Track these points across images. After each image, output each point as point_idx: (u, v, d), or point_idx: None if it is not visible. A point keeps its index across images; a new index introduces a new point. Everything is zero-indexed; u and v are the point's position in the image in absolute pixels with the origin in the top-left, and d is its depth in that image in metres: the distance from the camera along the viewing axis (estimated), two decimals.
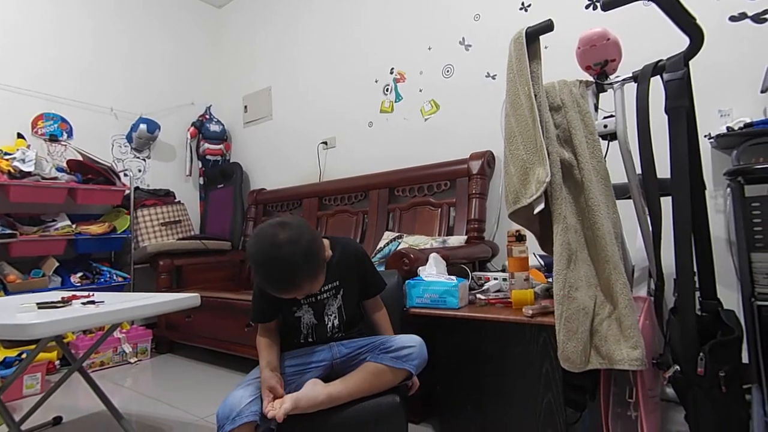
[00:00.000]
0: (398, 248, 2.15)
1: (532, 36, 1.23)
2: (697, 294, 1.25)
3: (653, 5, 1.11)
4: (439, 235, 2.24)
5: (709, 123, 1.69)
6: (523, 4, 2.25)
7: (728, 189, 1.67)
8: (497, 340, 1.37)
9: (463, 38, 2.44)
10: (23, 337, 0.94)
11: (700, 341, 1.06)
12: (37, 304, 1.21)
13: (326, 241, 1.20)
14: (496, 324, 1.33)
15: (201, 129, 3.37)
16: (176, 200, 3.17)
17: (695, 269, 1.25)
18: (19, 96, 2.64)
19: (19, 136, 2.57)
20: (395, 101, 2.69)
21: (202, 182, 3.43)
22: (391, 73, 2.71)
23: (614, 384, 1.21)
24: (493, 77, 2.33)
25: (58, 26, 2.85)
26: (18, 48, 2.68)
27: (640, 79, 1.20)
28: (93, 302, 1.25)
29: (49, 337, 1.23)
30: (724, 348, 1.03)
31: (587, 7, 2.07)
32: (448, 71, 2.49)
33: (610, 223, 1.20)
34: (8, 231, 2.21)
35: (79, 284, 2.51)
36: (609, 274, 1.15)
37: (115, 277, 2.66)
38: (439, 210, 2.31)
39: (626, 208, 1.34)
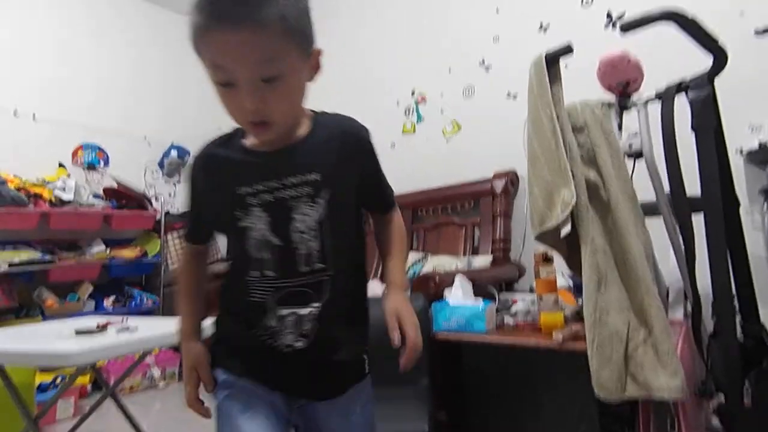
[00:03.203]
0: (423, 269, 2.15)
1: (552, 59, 1.24)
2: (738, 317, 1.20)
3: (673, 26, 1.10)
4: (464, 254, 2.22)
5: (741, 138, 1.64)
6: (541, 24, 2.26)
7: (765, 205, 1.61)
8: (527, 365, 1.34)
9: (483, 59, 2.46)
10: (64, 364, 0.98)
11: (745, 369, 1.01)
12: (75, 330, 1.26)
13: (308, 110, 0.74)
14: (526, 349, 1.30)
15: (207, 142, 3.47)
16: None
17: (734, 290, 1.20)
18: (61, 128, 2.80)
19: (61, 165, 2.71)
20: (417, 122, 2.72)
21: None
22: (413, 94, 2.75)
23: (654, 413, 1.16)
24: (514, 97, 2.33)
25: (97, 60, 3.02)
26: (60, 82, 2.85)
27: (664, 98, 1.19)
28: (127, 329, 1.29)
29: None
30: None
31: (606, 26, 2.07)
32: (468, 92, 2.51)
33: (640, 243, 1.17)
34: (48, 257, 2.31)
35: (111, 308, 2.59)
36: (642, 297, 1.12)
37: (145, 300, 2.74)
38: (464, 229, 2.30)
39: (657, 227, 1.31)
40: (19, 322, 2.17)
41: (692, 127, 1.10)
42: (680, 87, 1.17)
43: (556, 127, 1.19)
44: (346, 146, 0.71)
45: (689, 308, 1.31)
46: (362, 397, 0.76)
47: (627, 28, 1.12)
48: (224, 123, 0.69)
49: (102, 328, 1.32)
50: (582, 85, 1.34)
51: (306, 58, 0.65)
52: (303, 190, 0.68)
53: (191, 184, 0.76)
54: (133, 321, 1.47)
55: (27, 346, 1.12)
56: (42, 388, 1.98)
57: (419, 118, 2.71)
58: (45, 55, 2.82)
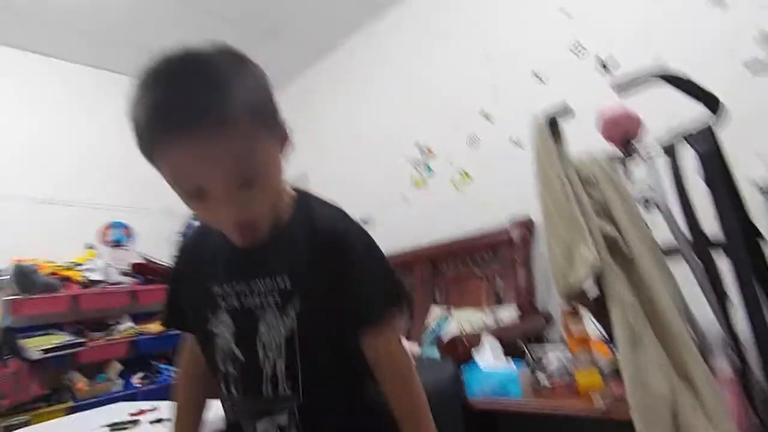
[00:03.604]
0: (448, 326, 2.11)
1: (553, 120, 1.27)
2: None
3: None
4: (488, 305, 2.18)
5: (756, 170, 1.60)
6: (536, 74, 2.32)
7: None
8: (569, 430, 1.28)
9: (483, 109, 2.52)
10: None
11: None
12: (109, 427, 1.26)
13: (290, 191, 0.65)
14: (566, 417, 1.25)
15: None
16: None
17: None
18: (90, 210, 2.93)
19: (89, 246, 2.81)
20: (426, 175, 2.77)
21: None
22: (419, 148, 2.81)
23: None
24: (518, 143, 2.37)
25: (119, 140, 3.17)
26: (88, 168, 3.01)
27: (669, 152, 1.19)
28: (160, 420, 1.28)
29: None
30: None
31: (601, 72, 2.11)
32: (474, 142, 2.56)
33: (668, 295, 1.14)
34: (78, 340, 2.35)
35: (140, 385, 2.59)
36: (680, 353, 1.08)
37: (172, 375, 2.73)
38: (485, 280, 2.27)
39: (686, 271, 1.27)
40: (50, 409, 2.19)
41: (705, 181, 1.09)
42: (684, 139, 1.18)
43: (565, 183, 1.20)
44: (321, 249, 0.59)
45: (731, 353, 1.25)
46: None
47: (620, 90, 1.15)
48: None
49: (134, 421, 1.32)
50: (581, 130, 1.35)
51: (277, 142, 0.57)
52: (271, 299, 0.59)
53: (175, 266, 0.70)
54: (164, 409, 1.47)
55: None
56: None
57: (429, 170, 2.76)
58: (73, 145, 3.00)
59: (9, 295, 2.26)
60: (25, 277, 2.29)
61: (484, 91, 2.52)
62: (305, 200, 0.64)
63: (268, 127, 0.55)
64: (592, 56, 2.13)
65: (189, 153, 0.49)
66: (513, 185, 2.32)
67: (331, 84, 3.48)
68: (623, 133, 1.28)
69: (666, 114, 1.34)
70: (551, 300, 2.14)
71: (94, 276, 2.55)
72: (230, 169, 0.51)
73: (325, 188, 0.63)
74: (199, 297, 0.63)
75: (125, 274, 2.78)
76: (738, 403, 1.13)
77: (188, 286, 0.66)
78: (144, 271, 2.83)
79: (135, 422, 1.31)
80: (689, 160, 1.15)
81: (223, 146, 0.49)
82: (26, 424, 2.02)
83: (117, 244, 2.96)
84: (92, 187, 3.00)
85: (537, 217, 2.23)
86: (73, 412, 2.14)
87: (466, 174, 2.58)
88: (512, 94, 2.41)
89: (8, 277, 2.30)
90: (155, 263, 2.88)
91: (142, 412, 1.46)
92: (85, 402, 2.27)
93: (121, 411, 1.51)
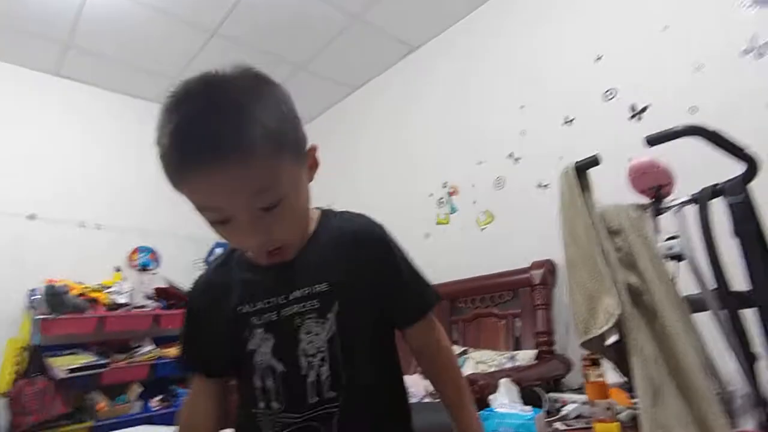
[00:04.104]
0: (464, 365, 2.10)
1: (581, 170, 1.30)
2: None
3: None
4: (506, 348, 2.17)
5: None
6: (566, 118, 2.38)
7: None
8: None
9: (512, 153, 2.57)
10: None
11: None
12: None
13: (314, 210, 0.68)
14: None
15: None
16: None
17: None
18: (120, 234, 3.05)
19: (117, 269, 2.91)
20: (450, 213, 2.81)
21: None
22: (445, 186, 2.86)
23: None
24: (546, 186, 2.40)
25: (153, 165, 3.34)
26: (125, 191, 3.15)
27: (700, 203, 1.21)
28: None
29: None
30: None
31: (630, 118, 2.15)
32: (499, 183, 2.60)
33: (692, 350, 1.13)
34: (102, 361, 2.41)
35: (158, 407, 2.61)
36: (704, 411, 1.06)
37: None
38: (504, 321, 2.26)
39: (711, 324, 1.26)
40: (72, 427, 2.23)
41: (735, 233, 1.10)
42: (715, 191, 1.20)
43: (591, 234, 1.22)
44: (359, 250, 0.63)
45: (763, 418, 1.22)
46: None
47: (654, 142, 1.18)
48: None
49: None
50: (609, 178, 1.37)
51: (302, 164, 0.59)
52: (309, 304, 0.60)
53: (189, 310, 0.70)
54: None
55: None
56: None
57: (452, 209, 2.80)
58: (109, 167, 3.16)
59: (40, 314, 2.35)
60: (55, 298, 2.38)
61: (514, 135, 2.57)
62: (329, 213, 0.69)
63: (291, 151, 0.56)
64: (626, 104, 2.17)
65: (210, 184, 0.51)
66: (536, 227, 2.34)
67: (360, 119, 3.60)
68: (651, 183, 1.31)
69: (699, 167, 1.37)
70: (571, 345, 2.12)
71: (121, 299, 2.64)
72: (252, 198, 0.52)
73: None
74: (227, 322, 0.64)
75: (149, 297, 2.86)
76: None
77: (212, 318, 0.66)
78: (167, 296, 2.91)
79: None
80: (719, 213, 1.17)
81: (244, 177, 0.50)
82: None
83: (144, 268, 3.06)
84: (123, 210, 3.13)
85: (558, 260, 2.23)
86: (95, 431, 2.18)
87: (490, 214, 2.62)
88: (542, 138, 2.45)
89: (40, 296, 2.39)
90: (177, 289, 2.96)
91: None
92: (105, 422, 2.31)
93: None
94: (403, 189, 3.12)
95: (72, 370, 2.23)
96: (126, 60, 2.99)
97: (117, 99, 3.34)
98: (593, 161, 1.28)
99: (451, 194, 2.83)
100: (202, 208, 0.54)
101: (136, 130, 3.35)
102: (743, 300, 1.11)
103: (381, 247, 0.66)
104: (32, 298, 2.41)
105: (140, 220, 3.16)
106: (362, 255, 0.63)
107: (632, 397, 1.58)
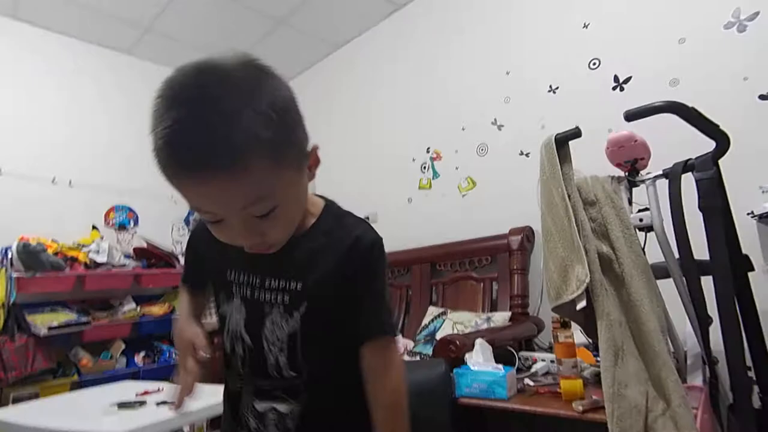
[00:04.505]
0: (443, 326, 2.19)
1: (562, 141, 1.33)
2: (756, 388, 1.22)
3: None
4: (483, 310, 2.26)
5: (752, 199, 1.68)
6: (550, 86, 2.38)
7: None
8: (549, 429, 1.37)
9: (495, 119, 2.58)
10: None
11: None
12: (117, 405, 1.33)
13: (317, 199, 0.68)
14: (547, 417, 1.33)
15: None
16: None
17: (750, 360, 1.23)
18: (94, 192, 2.98)
19: (94, 228, 2.86)
20: (433, 178, 2.83)
21: None
22: (428, 152, 2.87)
23: None
24: (527, 155, 2.43)
25: (127, 124, 3.23)
26: (94, 148, 3.05)
27: (671, 177, 1.27)
28: (165, 402, 1.36)
29: None
30: None
31: (614, 88, 2.17)
32: (482, 150, 2.62)
33: (655, 317, 1.22)
34: (83, 319, 2.42)
35: (141, 364, 2.66)
36: (659, 369, 1.16)
37: (173, 356, 2.81)
38: (482, 285, 2.35)
39: (674, 292, 1.35)
40: (57, 382, 2.27)
41: (699, 208, 1.16)
42: (686, 166, 1.25)
43: (568, 206, 1.27)
44: (349, 260, 0.62)
45: (708, 374, 1.34)
46: None
47: (631, 118, 1.21)
48: None
49: (141, 402, 1.39)
50: (590, 147, 1.41)
51: (303, 167, 0.57)
52: (280, 298, 0.62)
53: (191, 247, 0.75)
54: (169, 390, 1.54)
55: (75, 424, 1.20)
56: None
57: (435, 174, 2.82)
58: (82, 124, 3.04)
59: (16, 272, 2.32)
60: (31, 256, 2.34)
61: (498, 101, 2.57)
62: (331, 211, 0.67)
63: (290, 159, 0.54)
64: (609, 74, 2.19)
65: (203, 194, 0.50)
66: (517, 195, 2.39)
67: (342, 79, 3.52)
68: (628, 156, 1.35)
69: (674, 142, 1.41)
70: (543, 307, 2.23)
71: (99, 258, 2.61)
72: (245, 207, 0.51)
73: (331, 184, 0.64)
74: (216, 279, 0.68)
75: (128, 257, 2.84)
76: (705, 414, 1.21)
77: (208, 264, 0.70)
78: (146, 255, 2.89)
79: (142, 403, 1.38)
80: (690, 187, 1.22)
81: (237, 190, 0.49)
82: (35, 395, 2.11)
83: (122, 227, 3.02)
84: (100, 169, 3.05)
85: (537, 227, 2.31)
86: (79, 386, 2.23)
87: (472, 180, 2.65)
88: (525, 105, 2.46)
89: (14, 254, 2.35)
90: (158, 248, 2.94)
91: (147, 392, 1.53)
92: (90, 378, 2.35)
93: (127, 390, 1.59)
94: (386, 153, 3.12)
95: (53, 328, 2.24)
96: (98, 6, 2.81)
97: (89, 50, 3.16)
98: (574, 133, 1.31)
99: (434, 159, 2.84)
100: (194, 208, 0.54)
101: (111, 84, 3.22)
102: (703, 268, 1.18)
103: (367, 262, 0.64)
104: (6, 255, 2.37)
105: (116, 179, 3.08)
106: (350, 266, 0.62)
107: (597, 357, 1.70)
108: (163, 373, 2.60)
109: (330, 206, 0.68)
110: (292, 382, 0.62)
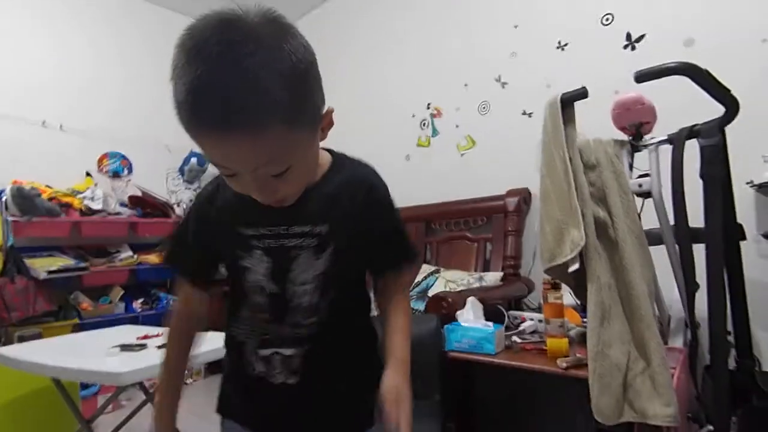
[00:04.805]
0: (435, 283, 2.23)
1: (567, 102, 1.30)
2: (734, 352, 1.27)
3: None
4: (476, 269, 2.30)
5: (753, 168, 1.67)
6: (559, 42, 2.30)
7: None
8: (533, 387, 1.43)
9: (500, 76, 2.51)
10: (117, 384, 1.09)
11: (734, 404, 1.09)
12: (120, 347, 1.37)
13: (325, 153, 0.70)
14: (532, 372, 1.39)
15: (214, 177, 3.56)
16: None
17: (731, 325, 1.27)
18: (87, 137, 2.92)
19: (88, 174, 2.83)
20: (432, 136, 2.79)
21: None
22: (428, 108, 2.81)
23: None
24: (530, 115, 2.38)
25: (119, 69, 3.12)
26: (86, 92, 2.96)
27: (675, 143, 1.25)
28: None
29: None
30: (758, 414, 1.06)
31: (625, 47, 2.10)
32: (484, 108, 2.57)
33: (644, 282, 1.24)
34: (82, 264, 2.45)
35: (140, 309, 2.73)
36: (642, 331, 1.20)
37: (171, 303, 2.87)
38: (476, 245, 2.37)
39: (664, 258, 1.37)
40: (58, 324, 2.33)
41: (701, 176, 1.16)
42: (692, 132, 1.23)
43: (568, 168, 1.26)
44: (358, 200, 0.67)
45: (689, 337, 1.39)
46: None
47: (642, 79, 1.18)
48: None
49: (142, 345, 1.43)
50: (594, 108, 1.36)
51: (317, 129, 0.59)
52: (308, 242, 0.65)
53: (194, 214, 0.73)
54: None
55: (79, 362, 1.24)
56: (83, 385, 2.11)
57: (434, 131, 2.78)
58: (70, 66, 2.93)
59: (12, 216, 2.32)
60: (26, 201, 2.33)
61: (504, 56, 2.48)
62: (339, 160, 0.71)
63: (306, 121, 0.55)
64: (622, 31, 2.10)
65: (220, 150, 0.52)
66: (516, 155, 2.37)
67: (342, 28, 3.37)
68: (633, 120, 1.32)
69: (675, 108, 1.38)
70: (534, 269, 2.27)
71: (94, 205, 2.60)
72: (260, 167, 0.53)
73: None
74: (227, 238, 0.68)
75: (123, 205, 2.83)
76: (683, 374, 1.27)
77: (215, 227, 0.69)
78: (142, 204, 2.88)
79: (142, 345, 1.43)
80: (693, 154, 1.21)
81: (253, 150, 0.51)
82: (38, 335, 2.18)
83: (115, 174, 2.99)
84: (91, 113, 2.97)
85: (535, 190, 2.30)
86: (80, 329, 2.29)
87: (472, 140, 2.61)
88: (532, 62, 2.38)
89: (9, 198, 2.34)
90: (153, 197, 2.93)
91: (147, 336, 1.58)
92: (90, 321, 2.41)
93: (127, 334, 1.64)
94: (385, 108, 3.05)
95: (52, 272, 2.27)
96: None
97: None
98: (581, 94, 1.28)
99: (434, 116, 2.78)
100: (212, 162, 0.55)
101: (101, 25, 3.07)
102: (696, 236, 1.19)
103: (379, 199, 0.70)
104: (1, 198, 2.36)
105: (108, 125, 3.01)
106: (366, 203, 0.68)
107: (584, 318, 1.75)
108: (161, 318, 2.67)
109: (337, 156, 0.72)
110: (307, 327, 0.67)
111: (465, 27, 2.67)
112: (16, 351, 1.47)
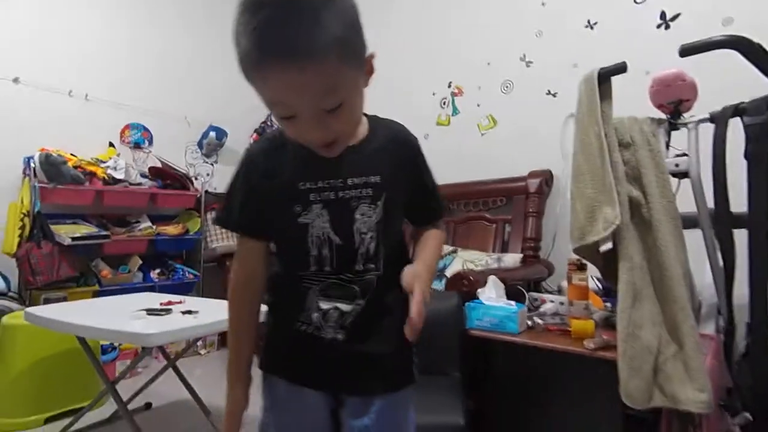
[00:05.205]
0: (453, 263, 2.22)
1: (604, 77, 1.26)
2: None
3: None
4: (494, 251, 2.28)
5: None
6: (589, 21, 2.23)
7: None
8: (557, 368, 1.42)
9: (524, 55, 2.44)
10: (144, 344, 1.10)
11: None
12: (146, 311, 1.39)
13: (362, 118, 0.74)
14: (556, 352, 1.37)
15: (262, 134, 3.56)
16: None
17: None
18: (110, 108, 2.92)
19: (111, 144, 2.85)
20: (452, 115, 2.74)
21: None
22: (449, 86, 2.76)
23: (677, 421, 1.23)
24: (554, 95, 2.33)
25: (143, 41, 3.11)
26: (111, 63, 2.95)
27: (718, 121, 1.20)
28: (189, 312, 1.41)
29: None
30: None
31: (659, 26, 2.03)
32: (507, 87, 2.51)
33: (679, 264, 1.21)
34: (103, 232, 2.48)
35: (157, 279, 2.76)
36: (675, 314, 1.17)
37: (186, 275, 2.90)
38: (494, 226, 2.35)
39: (694, 240, 1.33)
40: (80, 289, 2.37)
41: (746, 155, 1.11)
42: (737, 110, 1.18)
43: (603, 145, 1.22)
44: (400, 153, 0.74)
45: (721, 324, 1.36)
46: (408, 403, 0.77)
47: (687, 53, 1.13)
48: (259, 103, 0.63)
49: (167, 309, 1.45)
50: (624, 89, 1.32)
51: (362, 70, 0.63)
52: (365, 192, 0.70)
53: (243, 172, 0.73)
54: (190, 303, 1.60)
55: (107, 323, 1.25)
56: (103, 350, 2.16)
57: (455, 110, 2.73)
58: (98, 38, 2.92)
59: (39, 183, 2.34)
60: (53, 167, 2.35)
61: (530, 35, 2.42)
62: (376, 119, 0.77)
63: (355, 58, 0.61)
64: (656, 9, 2.03)
65: (283, 82, 0.56)
66: (539, 136, 2.32)
67: (364, 4, 3.29)
68: (672, 97, 1.28)
69: (724, 84, 1.33)
70: (554, 251, 2.24)
71: (117, 174, 2.62)
72: (318, 98, 0.57)
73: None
74: (284, 194, 0.70)
75: (144, 176, 2.85)
76: (714, 361, 1.25)
77: (269, 184, 0.71)
78: (162, 175, 2.90)
79: (168, 310, 1.44)
80: (735, 135, 1.16)
81: (314, 79, 0.55)
82: (64, 299, 2.23)
83: (136, 145, 3.00)
84: (116, 85, 2.97)
85: (557, 171, 2.26)
86: (101, 295, 2.33)
87: (493, 119, 2.56)
88: (559, 41, 2.32)
89: (37, 164, 2.36)
90: (173, 169, 2.94)
91: (171, 303, 1.59)
92: (110, 288, 2.45)
93: (151, 300, 1.66)
94: (403, 85, 2.98)
95: (76, 238, 2.30)
96: None
97: None
98: (620, 68, 1.23)
99: (455, 95, 2.73)
100: (271, 103, 0.59)
101: (139, 4, 3.06)
102: (738, 221, 1.15)
103: (418, 155, 0.78)
104: (29, 165, 2.39)
105: (131, 96, 3.01)
106: (403, 158, 0.75)
107: (605, 302, 1.73)
108: (177, 289, 2.69)
109: (373, 117, 0.77)
110: (370, 274, 0.71)
111: (490, 4, 2.59)
112: (45, 311, 1.50)
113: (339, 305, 0.70)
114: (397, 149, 0.74)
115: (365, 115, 0.75)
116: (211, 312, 1.41)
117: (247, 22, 0.54)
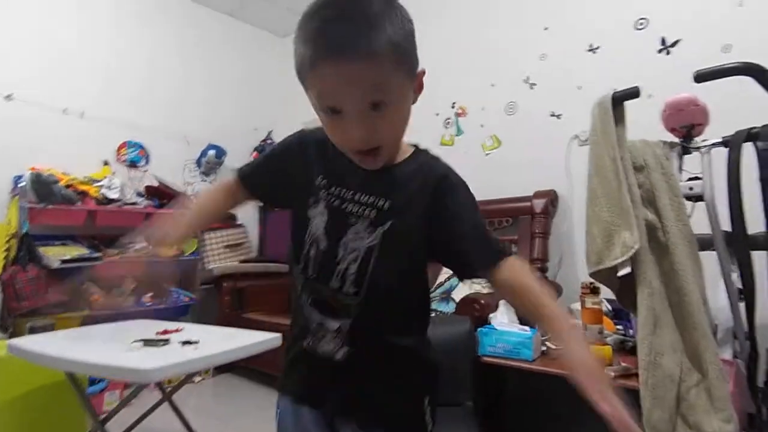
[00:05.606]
0: (460, 285, 2.18)
1: (618, 101, 1.25)
2: None
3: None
4: None
5: None
6: (591, 45, 2.25)
7: None
8: (573, 396, 1.37)
9: (528, 77, 2.46)
10: (143, 381, 1.03)
11: None
12: (143, 342, 1.31)
13: (409, 145, 0.74)
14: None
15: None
16: (238, 223, 3.33)
17: None
18: (106, 125, 2.87)
19: (106, 163, 2.79)
20: (456, 135, 2.74)
21: (262, 205, 3.58)
22: (453, 107, 2.76)
23: None
24: (558, 116, 2.34)
25: (141, 59, 3.08)
26: (108, 81, 2.91)
27: (732, 145, 1.20)
28: (189, 342, 1.34)
29: None
30: None
31: (659, 51, 2.06)
32: (511, 108, 2.52)
33: (697, 288, 1.19)
34: (96, 254, 2.39)
35: (150, 303, 2.67)
36: (697, 341, 1.14)
37: (182, 297, 2.82)
38: None
39: (707, 263, 1.31)
40: (68, 314, 2.27)
41: (761, 179, 1.11)
42: (750, 135, 1.18)
43: (619, 168, 1.21)
44: (427, 187, 0.68)
45: (737, 348, 1.33)
46: None
47: (702, 79, 1.13)
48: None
49: (164, 339, 1.38)
50: (631, 109, 1.28)
51: (412, 82, 0.64)
52: (367, 212, 0.67)
53: (284, 148, 0.77)
54: (189, 330, 1.53)
55: (100, 357, 1.18)
56: (91, 381, 2.06)
57: (459, 131, 2.73)
58: (95, 55, 2.88)
59: (28, 202, 2.27)
60: (43, 187, 2.29)
61: (533, 58, 2.44)
62: (423, 152, 0.75)
63: (407, 67, 0.62)
64: (656, 35, 2.06)
65: (336, 73, 0.58)
66: (543, 156, 2.32)
67: None
68: (685, 121, 1.27)
69: (734, 109, 1.33)
70: (562, 273, 2.21)
71: (111, 194, 2.56)
72: (367, 92, 0.59)
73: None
74: (304, 183, 0.72)
75: (140, 195, 2.78)
76: (735, 388, 1.21)
77: (297, 169, 0.73)
78: (158, 194, 2.83)
79: (165, 341, 1.37)
80: (748, 158, 1.16)
81: (365, 72, 0.57)
82: (51, 327, 2.12)
83: (132, 164, 2.94)
84: (114, 103, 2.92)
85: (561, 192, 2.25)
86: (90, 321, 2.23)
87: (497, 139, 2.56)
88: (562, 64, 2.34)
89: (26, 183, 2.29)
90: (170, 188, 2.88)
91: (167, 331, 1.52)
92: (100, 313, 2.35)
93: (146, 327, 1.57)
94: None
95: (66, 261, 2.21)
96: None
97: None
98: (633, 93, 1.23)
99: (458, 115, 2.74)
100: (319, 95, 0.60)
101: (126, 16, 3.04)
102: (756, 243, 1.14)
103: (453, 192, 0.71)
104: (18, 184, 2.32)
105: (128, 114, 2.97)
106: (433, 192, 0.69)
107: (616, 324, 1.69)
108: (171, 313, 2.60)
109: (420, 149, 0.75)
110: (347, 298, 0.67)
111: (493, 28, 2.62)
112: (31, 343, 1.40)
113: (325, 322, 0.69)
114: (425, 183, 0.69)
115: (415, 146, 0.75)
116: (213, 342, 1.34)
117: (311, 22, 0.59)
